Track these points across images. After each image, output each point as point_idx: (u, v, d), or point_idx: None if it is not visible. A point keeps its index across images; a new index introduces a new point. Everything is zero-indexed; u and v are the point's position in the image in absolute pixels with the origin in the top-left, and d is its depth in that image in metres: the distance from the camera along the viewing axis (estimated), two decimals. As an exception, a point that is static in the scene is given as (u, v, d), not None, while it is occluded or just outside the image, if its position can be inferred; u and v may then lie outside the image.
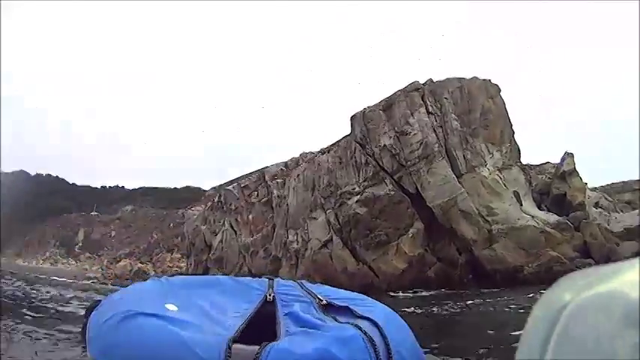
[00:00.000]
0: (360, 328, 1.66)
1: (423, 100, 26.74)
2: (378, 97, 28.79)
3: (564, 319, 0.58)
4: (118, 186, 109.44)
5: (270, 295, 1.89)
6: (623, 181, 36.92)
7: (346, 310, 1.83)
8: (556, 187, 29.76)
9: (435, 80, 28.09)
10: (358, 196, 26.28)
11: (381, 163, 26.41)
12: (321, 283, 2.10)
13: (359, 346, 1.57)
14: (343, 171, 27.72)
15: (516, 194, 26.85)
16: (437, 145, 25.49)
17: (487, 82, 29.34)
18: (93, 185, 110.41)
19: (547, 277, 22.53)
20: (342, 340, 1.57)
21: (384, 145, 26.22)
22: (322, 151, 30.83)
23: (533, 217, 25.93)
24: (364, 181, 26.52)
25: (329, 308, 1.84)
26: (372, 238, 25.25)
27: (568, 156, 31.76)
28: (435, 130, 25.91)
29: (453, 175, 25.17)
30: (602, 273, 0.61)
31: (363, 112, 27.87)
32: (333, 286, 2.06)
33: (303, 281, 2.05)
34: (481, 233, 24.27)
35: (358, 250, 25.76)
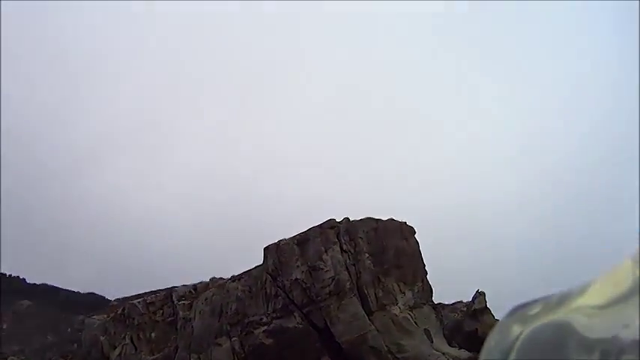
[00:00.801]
0: None
1: (337, 237, 28.53)
2: (294, 230, 30.20)
3: (517, 350, 0.60)
4: (18, 277, 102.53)
5: None
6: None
7: None
8: (467, 324, 31.30)
9: (351, 219, 30.11)
10: (266, 327, 26.99)
11: (291, 296, 27.44)
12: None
13: None
14: (252, 300, 28.42)
15: (427, 332, 28.12)
16: (349, 282, 26.95)
17: (402, 224, 31.61)
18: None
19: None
20: None
21: (296, 279, 27.43)
22: (233, 279, 31.40)
23: (444, 353, 27.08)
24: (273, 312, 27.34)
25: None
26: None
27: (479, 294, 33.74)
28: (347, 268, 27.50)
29: (364, 313, 26.39)
30: (551, 302, 0.64)
31: (277, 245, 29.14)
32: None
33: None
34: (389, 371, 25.12)
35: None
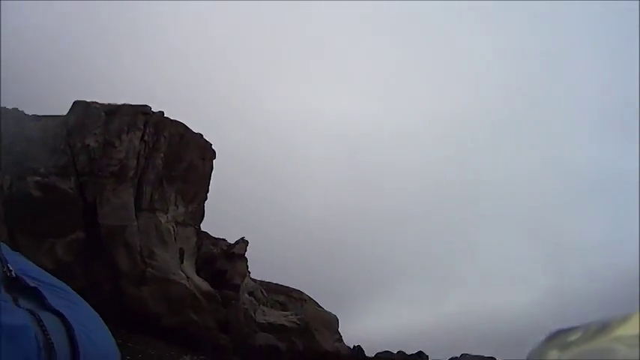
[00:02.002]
0: (39, 321, 1.34)
1: (144, 125, 27.35)
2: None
3: None
4: None
5: None
6: (282, 285, 41.74)
7: (34, 293, 1.45)
8: (221, 263, 32.33)
9: (165, 115, 29.00)
10: (39, 178, 25.12)
11: (75, 160, 25.90)
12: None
13: (28, 342, 1.23)
14: (40, 146, 26.16)
15: (182, 252, 28.42)
16: (133, 172, 26.02)
17: (208, 145, 31.41)
18: None
19: (181, 335, 24.13)
20: (8, 329, 1.24)
21: (88, 145, 25.93)
22: (34, 117, 28.15)
23: (188, 278, 27.59)
24: (53, 167, 25.57)
25: (15, 283, 1.44)
26: (33, 223, 23.94)
27: (243, 242, 35.05)
28: (138, 158, 26.48)
29: (133, 206, 25.69)
30: (591, 329, 0.62)
31: (87, 104, 27.44)
32: None
33: (2, 244, 1.54)
34: (135, 271, 24.93)
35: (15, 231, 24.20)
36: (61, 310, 1.49)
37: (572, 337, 0.62)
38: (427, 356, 39.44)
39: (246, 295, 32.99)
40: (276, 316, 34.64)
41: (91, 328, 1.49)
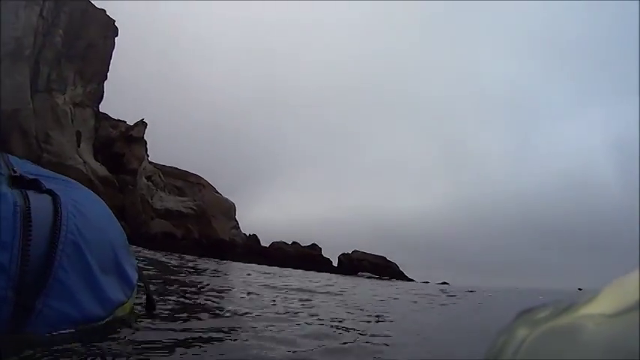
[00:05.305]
0: (26, 196, 1.86)
1: (43, 0, 26.10)
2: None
3: (522, 354, 0.61)
4: None
5: None
6: (180, 169, 42.32)
7: (34, 184, 1.98)
8: (118, 146, 32.81)
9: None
10: None
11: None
12: None
13: (5, 204, 1.77)
14: None
15: (79, 134, 28.58)
16: (29, 50, 25.30)
17: (110, 21, 30.60)
18: None
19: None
20: None
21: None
22: None
23: (85, 162, 28.08)
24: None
25: (18, 180, 1.97)
26: None
27: (142, 124, 35.42)
28: (35, 36, 25.67)
29: (29, 87, 25.33)
30: (560, 307, 0.65)
31: None
32: None
33: (9, 155, 2.17)
34: (30, 157, 24.85)
35: None
36: (53, 190, 1.91)
37: (541, 315, 0.65)
38: (320, 248, 42.30)
39: (144, 180, 33.91)
40: (173, 202, 36.08)
41: (84, 204, 2.02)
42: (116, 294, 2.14)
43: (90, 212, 2.05)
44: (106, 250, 2.05)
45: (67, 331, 1.86)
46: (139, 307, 2.85)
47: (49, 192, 1.94)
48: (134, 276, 2.47)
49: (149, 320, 2.89)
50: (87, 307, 1.94)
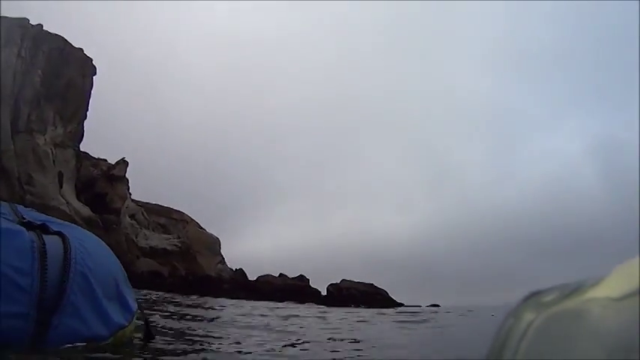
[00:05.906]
0: (39, 236, 2.27)
1: (22, 40, 26.01)
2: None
3: (529, 336, 0.63)
4: None
5: None
6: (163, 206, 42.09)
7: (43, 227, 2.40)
8: (100, 185, 32.48)
9: (44, 28, 27.66)
10: None
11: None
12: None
13: (22, 242, 2.15)
14: None
15: (60, 175, 28.28)
16: (9, 90, 25.09)
17: (89, 61, 30.55)
18: None
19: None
20: (7, 231, 2.11)
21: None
22: None
23: (68, 203, 27.72)
24: None
25: (28, 226, 2.36)
26: None
27: (123, 162, 35.16)
28: (15, 76, 25.49)
29: (9, 129, 25.05)
30: (566, 290, 0.65)
31: None
32: None
33: (19, 205, 2.59)
34: (13, 198, 24.60)
35: None
36: (61, 231, 2.32)
37: (548, 298, 0.66)
38: (308, 279, 42.21)
39: (128, 219, 33.60)
40: (158, 240, 35.71)
41: (88, 243, 2.44)
42: (118, 318, 2.53)
43: (93, 250, 2.48)
44: (109, 281, 2.46)
45: (77, 345, 2.24)
46: (139, 337, 3.17)
47: (58, 233, 2.37)
48: (134, 305, 2.87)
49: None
50: (94, 326, 2.33)
